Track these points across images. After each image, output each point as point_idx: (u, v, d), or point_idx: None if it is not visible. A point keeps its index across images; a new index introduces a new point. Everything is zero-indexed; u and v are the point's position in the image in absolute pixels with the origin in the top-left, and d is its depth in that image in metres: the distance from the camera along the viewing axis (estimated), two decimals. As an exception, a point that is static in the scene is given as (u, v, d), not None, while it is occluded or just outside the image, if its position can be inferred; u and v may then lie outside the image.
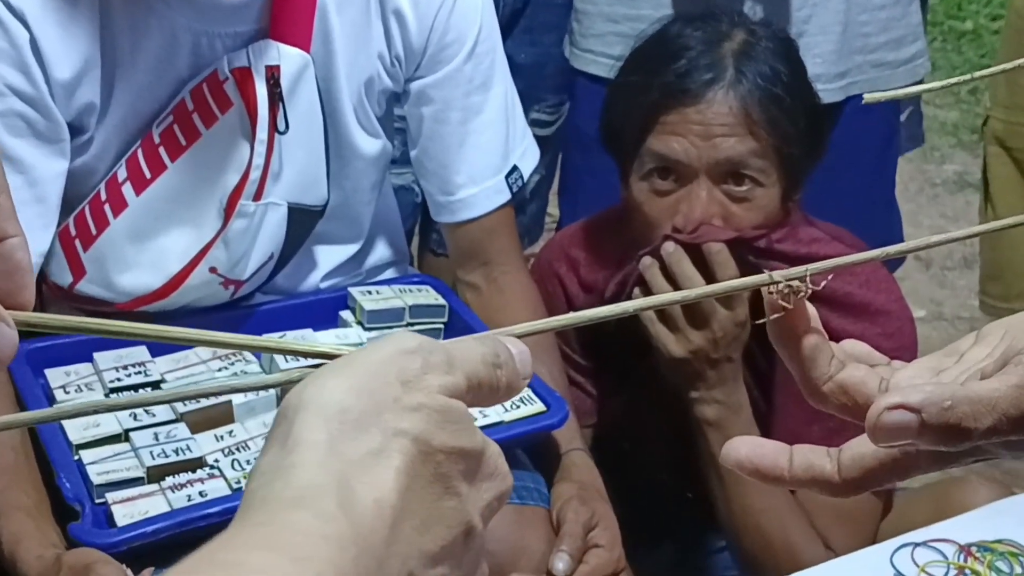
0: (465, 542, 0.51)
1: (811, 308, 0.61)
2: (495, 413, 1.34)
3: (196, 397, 0.60)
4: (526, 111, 1.64)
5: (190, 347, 1.43)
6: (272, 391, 1.33)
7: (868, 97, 0.64)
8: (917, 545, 1.23)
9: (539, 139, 2.04)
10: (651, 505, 1.71)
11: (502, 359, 0.56)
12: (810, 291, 0.60)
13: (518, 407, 1.35)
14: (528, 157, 1.58)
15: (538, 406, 1.36)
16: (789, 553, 1.46)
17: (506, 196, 1.55)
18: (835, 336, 1.61)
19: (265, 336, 0.98)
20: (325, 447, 0.47)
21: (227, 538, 0.44)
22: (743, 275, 1.40)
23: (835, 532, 1.48)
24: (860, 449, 0.59)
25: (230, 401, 1.33)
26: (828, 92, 1.73)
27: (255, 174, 1.39)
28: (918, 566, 1.21)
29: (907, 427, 0.55)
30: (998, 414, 0.55)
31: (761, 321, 0.63)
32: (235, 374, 1.41)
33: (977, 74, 0.64)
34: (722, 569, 1.65)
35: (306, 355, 0.57)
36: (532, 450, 1.43)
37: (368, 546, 0.45)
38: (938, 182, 3.73)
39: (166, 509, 1.19)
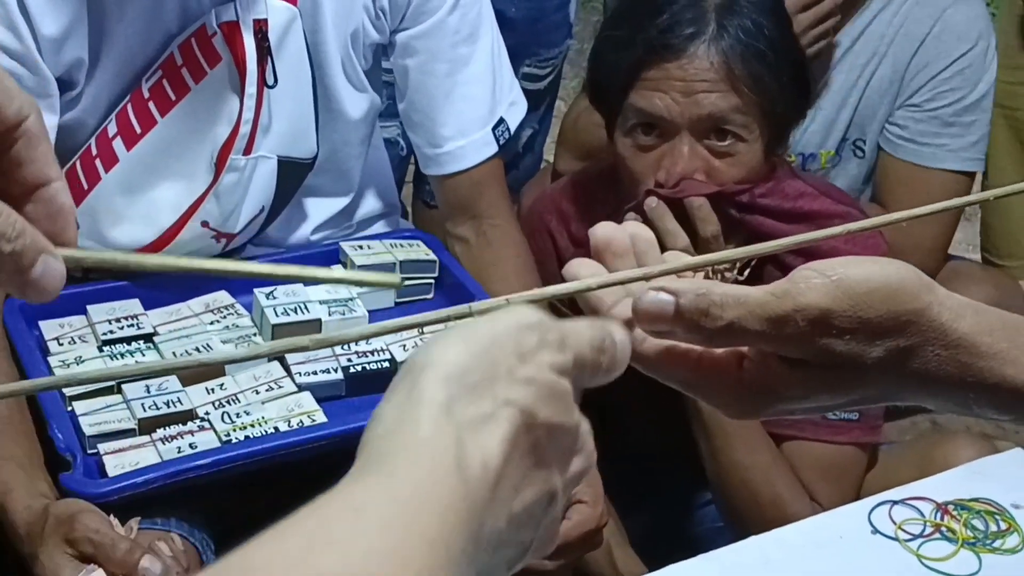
0: (547, 508, 0.54)
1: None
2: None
3: (207, 364, 0.61)
4: (518, 65, 1.65)
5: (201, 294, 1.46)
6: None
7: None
8: (895, 503, 1.24)
9: (531, 93, 2.05)
10: (638, 460, 1.73)
11: (607, 344, 0.58)
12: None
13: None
14: (515, 109, 1.59)
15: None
16: (775, 507, 1.48)
17: (493, 148, 1.56)
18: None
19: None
20: (443, 407, 0.50)
21: (351, 482, 0.47)
22: (725, 228, 1.42)
23: (820, 486, 1.50)
24: None
25: (220, 353, 1.35)
26: None
27: (245, 128, 1.41)
28: (895, 523, 1.22)
29: (664, 309, 0.63)
30: (745, 310, 0.62)
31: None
32: (227, 327, 1.43)
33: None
34: (709, 522, 1.67)
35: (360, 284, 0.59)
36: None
37: (474, 505, 0.48)
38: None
39: (156, 460, 1.21)
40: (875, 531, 1.20)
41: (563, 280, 1.70)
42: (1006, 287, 1.79)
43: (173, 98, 1.40)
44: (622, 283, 0.66)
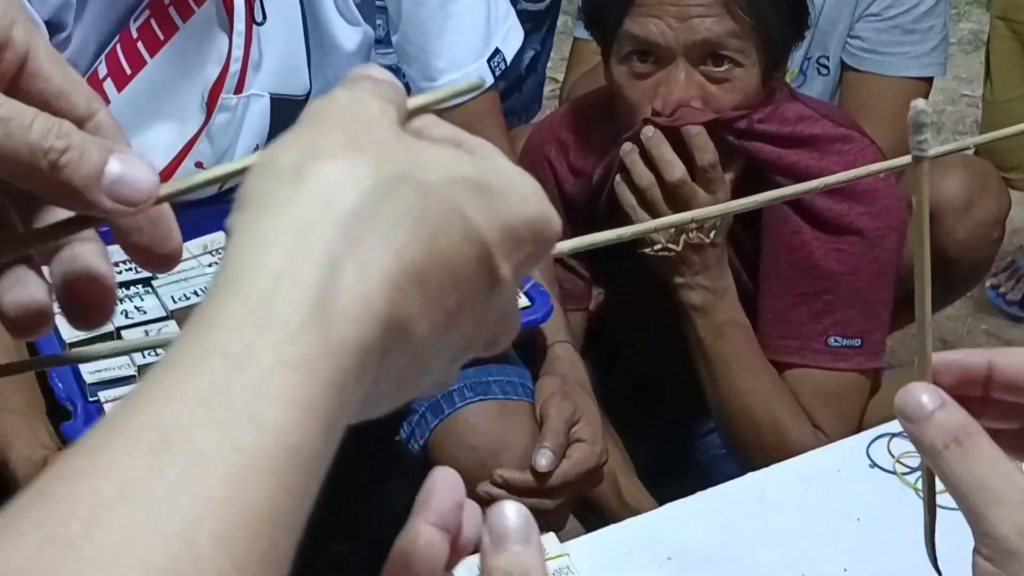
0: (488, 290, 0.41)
1: None
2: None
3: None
4: (518, -14, 1.61)
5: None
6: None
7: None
8: (894, 436, 1.23)
9: (532, 13, 2.02)
10: (642, 389, 1.73)
11: None
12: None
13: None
14: (511, 39, 1.56)
15: (522, 301, 1.37)
16: (776, 433, 1.48)
17: (489, 80, 1.53)
18: (817, 216, 1.61)
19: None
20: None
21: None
22: (723, 156, 1.41)
23: (822, 412, 1.49)
24: None
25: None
26: None
27: (235, 66, 1.39)
28: (893, 456, 1.22)
29: None
30: None
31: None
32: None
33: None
34: (714, 449, 1.67)
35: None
36: (517, 343, 1.44)
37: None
38: (953, 41, 3.65)
39: None
40: (873, 464, 1.20)
41: (563, 206, 1.69)
42: (982, 172, 1.76)
43: (161, 38, 1.38)
44: (667, 227, 0.63)
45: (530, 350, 1.44)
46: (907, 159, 0.54)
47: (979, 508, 0.49)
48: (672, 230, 0.62)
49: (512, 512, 0.44)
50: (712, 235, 1.38)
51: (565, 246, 0.64)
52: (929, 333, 0.53)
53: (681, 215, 0.63)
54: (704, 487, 1.29)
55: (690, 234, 1.32)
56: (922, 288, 0.53)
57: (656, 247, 0.87)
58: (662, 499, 1.54)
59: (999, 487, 0.49)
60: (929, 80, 1.85)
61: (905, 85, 1.80)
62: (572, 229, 1.62)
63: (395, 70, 2.01)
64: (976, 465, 0.49)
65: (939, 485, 0.50)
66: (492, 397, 1.34)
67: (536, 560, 0.44)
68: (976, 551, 0.49)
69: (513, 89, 2.19)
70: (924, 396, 0.51)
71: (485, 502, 1.45)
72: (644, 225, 0.65)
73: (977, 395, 0.53)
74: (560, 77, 3.17)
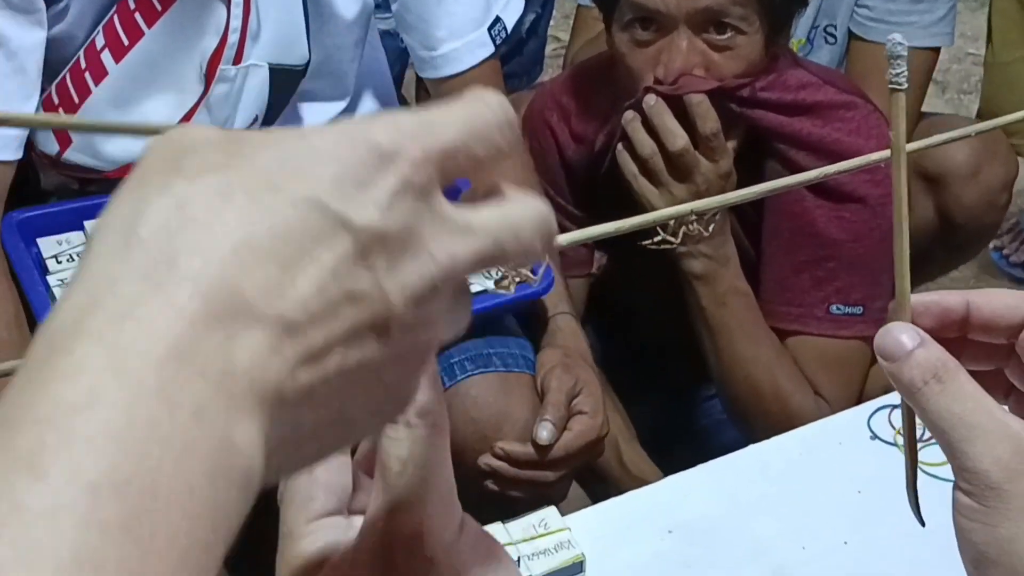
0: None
1: None
2: (480, 283, 1.35)
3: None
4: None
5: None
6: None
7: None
8: (895, 407, 1.22)
9: (532, -23, 2.00)
10: (644, 354, 1.73)
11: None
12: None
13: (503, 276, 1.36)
14: (512, 7, 1.55)
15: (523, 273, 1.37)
16: (778, 401, 1.48)
17: (490, 49, 1.52)
18: (820, 183, 1.60)
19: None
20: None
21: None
22: (725, 124, 1.40)
23: (823, 378, 1.49)
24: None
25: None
26: None
27: (233, 37, 1.38)
28: (895, 428, 1.22)
29: None
30: None
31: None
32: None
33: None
34: (716, 414, 1.67)
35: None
36: (520, 315, 1.44)
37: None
38: (959, -4, 3.62)
39: None
40: (874, 436, 1.20)
41: (564, 173, 1.68)
42: (990, 138, 1.75)
43: (159, 8, 1.37)
44: (666, 219, 0.63)
45: (530, 321, 1.44)
46: (885, 154, 0.55)
47: (959, 443, 0.49)
48: (672, 222, 0.61)
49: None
50: (711, 228, 1.38)
51: (566, 239, 0.64)
52: (907, 274, 0.53)
53: (680, 207, 0.62)
54: (705, 452, 1.30)
55: (690, 226, 1.31)
56: (900, 226, 0.53)
57: (656, 239, 0.87)
58: (663, 465, 1.55)
59: (979, 422, 0.49)
60: (937, 50, 1.84)
61: (912, 55, 1.78)
62: (574, 193, 1.63)
63: (393, 35, 2.00)
64: (956, 401, 0.49)
65: (930, 458, 0.50)
66: (493, 369, 1.34)
67: (432, 396, 0.41)
68: (956, 487, 0.50)
69: (514, 52, 2.18)
70: (903, 335, 0.51)
71: (487, 475, 1.46)
72: (643, 217, 0.65)
73: (955, 336, 0.53)
74: (561, 36, 3.16)
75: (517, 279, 1.33)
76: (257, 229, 0.32)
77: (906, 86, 0.51)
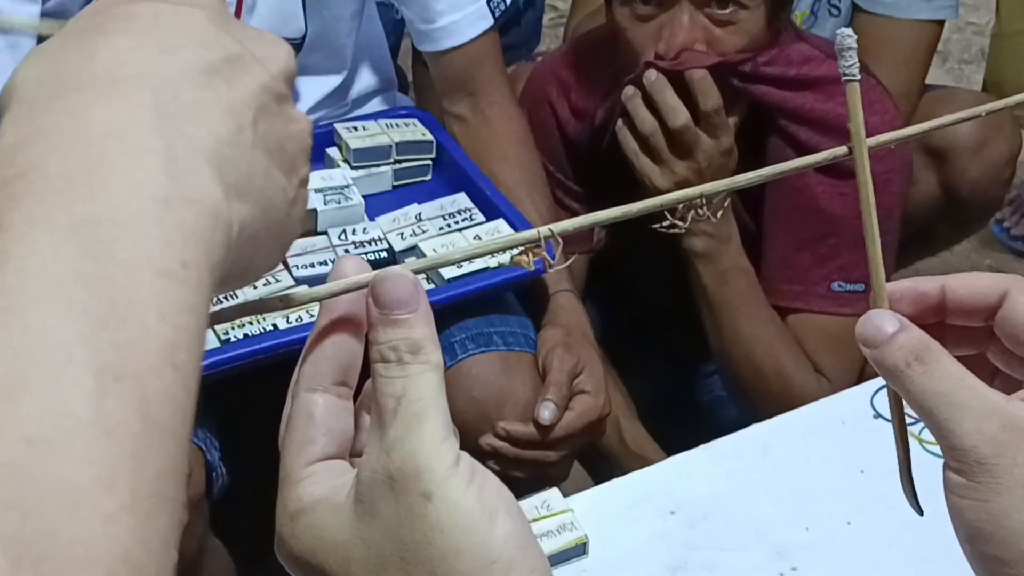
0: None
1: None
2: (481, 260, 1.33)
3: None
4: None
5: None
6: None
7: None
8: (899, 385, 1.21)
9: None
10: (646, 329, 1.72)
11: None
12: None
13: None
14: (510, -21, 1.54)
15: (524, 250, 1.35)
16: (780, 379, 1.47)
17: (489, 22, 1.51)
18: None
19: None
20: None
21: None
22: (727, 100, 1.38)
23: (825, 358, 1.49)
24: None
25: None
26: None
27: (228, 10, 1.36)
28: (898, 407, 1.21)
29: None
30: None
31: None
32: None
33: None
34: (717, 390, 1.67)
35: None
36: (521, 293, 1.43)
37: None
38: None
39: (216, 345, 1.21)
40: (877, 415, 1.19)
41: (564, 148, 1.67)
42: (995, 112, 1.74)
43: (154, -19, 1.35)
44: (674, 203, 0.62)
45: (531, 299, 1.43)
46: (843, 149, 0.55)
47: (946, 423, 0.49)
48: (680, 206, 0.60)
49: (396, 276, 0.45)
50: (720, 214, 1.36)
51: (574, 223, 0.62)
52: (880, 264, 0.54)
53: (689, 191, 0.61)
54: (706, 428, 1.29)
55: (699, 211, 1.30)
56: (869, 217, 0.53)
57: (665, 223, 0.85)
58: (663, 442, 1.55)
59: (964, 400, 0.49)
60: (941, 23, 1.82)
61: (917, 28, 1.77)
62: (575, 169, 1.61)
63: (388, 5, 1.97)
64: (940, 381, 0.49)
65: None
66: (494, 348, 1.33)
67: (425, 332, 0.45)
68: (946, 466, 0.50)
69: (512, 23, 2.15)
70: (883, 321, 0.51)
71: (488, 455, 1.44)
72: (651, 201, 0.63)
73: (933, 322, 0.54)
74: (559, 5, 3.13)
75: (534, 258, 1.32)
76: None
77: (859, 77, 0.52)
